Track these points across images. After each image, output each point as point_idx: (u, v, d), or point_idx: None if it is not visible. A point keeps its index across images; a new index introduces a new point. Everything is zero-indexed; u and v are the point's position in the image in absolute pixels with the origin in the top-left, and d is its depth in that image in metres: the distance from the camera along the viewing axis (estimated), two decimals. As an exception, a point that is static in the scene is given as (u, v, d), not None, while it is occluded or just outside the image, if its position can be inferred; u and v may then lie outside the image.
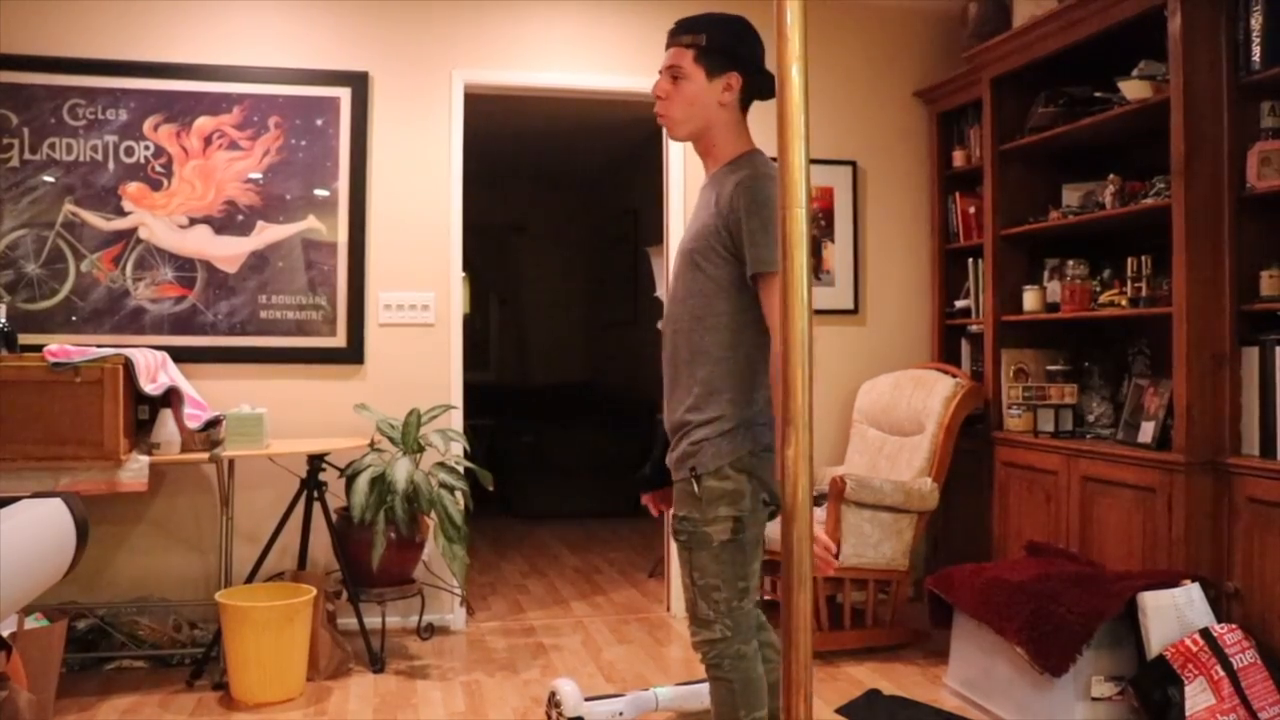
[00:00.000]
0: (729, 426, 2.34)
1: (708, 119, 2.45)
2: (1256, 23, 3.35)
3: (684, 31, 2.45)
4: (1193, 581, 3.28)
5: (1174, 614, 3.20)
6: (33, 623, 3.51)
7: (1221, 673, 3.05)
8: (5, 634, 2.14)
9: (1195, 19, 3.46)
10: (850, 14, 5.17)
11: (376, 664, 4.09)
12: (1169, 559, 3.47)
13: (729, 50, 2.40)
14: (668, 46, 2.49)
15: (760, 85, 2.43)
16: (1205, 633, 3.13)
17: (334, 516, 4.18)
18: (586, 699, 3.46)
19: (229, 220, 4.50)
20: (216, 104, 4.50)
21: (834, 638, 4.25)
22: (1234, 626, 3.18)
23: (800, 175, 1.48)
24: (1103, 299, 4.07)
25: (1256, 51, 3.35)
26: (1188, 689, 3.05)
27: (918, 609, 4.54)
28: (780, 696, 1.44)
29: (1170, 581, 3.29)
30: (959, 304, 5.04)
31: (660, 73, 2.49)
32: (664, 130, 4.91)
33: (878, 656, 4.25)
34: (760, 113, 2.38)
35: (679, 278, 2.49)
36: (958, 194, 5.04)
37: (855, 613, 4.33)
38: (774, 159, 1.53)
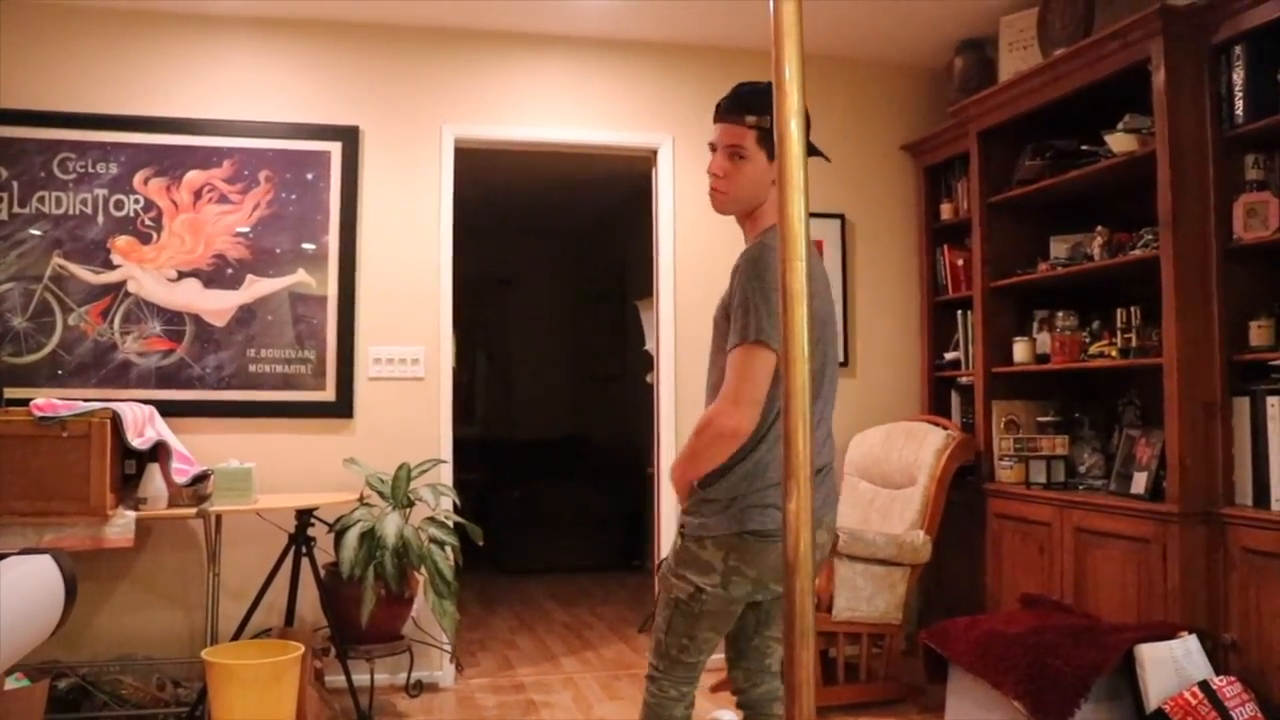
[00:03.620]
0: (721, 501, 2.32)
1: (759, 198, 2.40)
2: (1239, 77, 3.40)
3: (746, 110, 2.37)
4: (1190, 633, 3.26)
5: (1172, 666, 3.18)
6: (13, 683, 3.45)
7: (1221, 726, 3.02)
8: (-11, 695, 2.10)
9: (1179, 73, 3.52)
10: (838, 69, 5.23)
11: (364, 723, 4.03)
12: (1165, 610, 3.46)
13: None
14: (723, 120, 2.42)
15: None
16: (1204, 685, 3.11)
17: (322, 572, 4.13)
18: (579, 757, 3.41)
19: (218, 274, 4.49)
20: (207, 158, 4.51)
21: (828, 693, 4.20)
22: (1233, 679, 3.16)
23: (800, 228, 1.48)
24: (1093, 350, 4.09)
25: (1240, 105, 3.40)
26: (1188, 743, 3.02)
27: (912, 663, 4.49)
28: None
29: (1167, 633, 3.27)
30: (948, 356, 5.06)
31: (714, 147, 2.43)
32: (653, 185, 4.99)
33: (872, 711, 4.21)
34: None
35: (713, 344, 2.46)
36: (946, 246, 5.08)
37: (849, 667, 4.29)
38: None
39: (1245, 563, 3.29)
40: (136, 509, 3.76)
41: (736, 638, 2.58)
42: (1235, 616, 3.32)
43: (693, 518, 2.37)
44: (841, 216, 5.20)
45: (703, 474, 2.34)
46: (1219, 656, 3.31)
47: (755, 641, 2.55)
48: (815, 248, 2.45)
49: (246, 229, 4.53)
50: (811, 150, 2.39)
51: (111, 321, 4.39)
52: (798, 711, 1.45)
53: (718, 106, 2.47)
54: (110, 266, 4.40)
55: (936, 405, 5.14)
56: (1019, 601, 4.03)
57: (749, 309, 2.23)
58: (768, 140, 2.35)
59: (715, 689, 4.53)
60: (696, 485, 2.39)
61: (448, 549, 4.18)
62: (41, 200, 4.36)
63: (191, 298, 4.47)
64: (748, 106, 2.39)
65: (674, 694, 2.44)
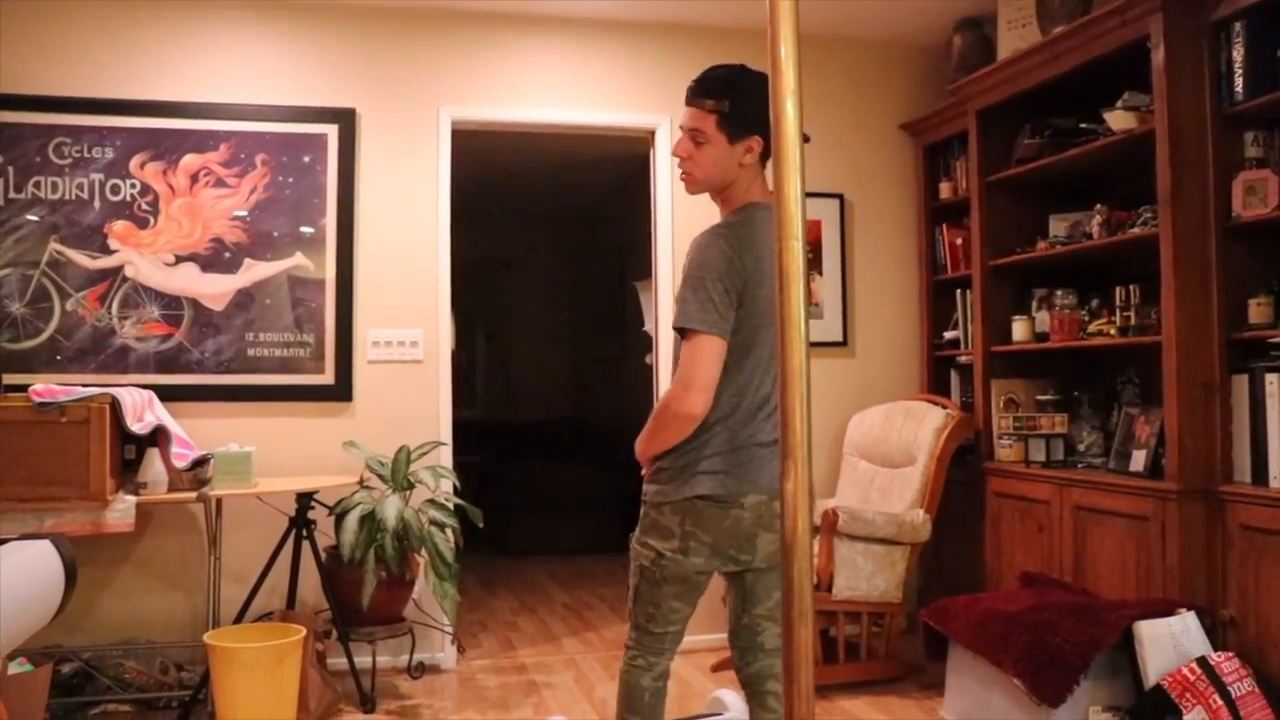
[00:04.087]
0: (673, 468, 2.43)
1: (726, 179, 2.48)
2: (1238, 54, 3.38)
3: (705, 95, 2.46)
4: (1188, 610, 3.27)
5: (1170, 643, 3.19)
6: (16, 668, 3.46)
7: (1219, 701, 3.03)
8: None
9: (1178, 51, 3.50)
10: (836, 49, 5.21)
11: (367, 704, 4.04)
12: (1164, 587, 3.47)
13: (751, 114, 2.39)
14: (688, 104, 2.49)
15: None
16: (1202, 661, 3.12)
17: (323, 555, 4.14)
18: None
19: (216, 258, 4.48)
20: (203, 141, 4.49)
21: (828, 672, 4.22)
22: (1231, 655, 3.17)
23: (796, 208, 1.47)
24: (1091, 328, 4.09)
25: (1239, 82, 3.38)
26: (1186, 718, 3.03)
27: (912, 641, 4.51)
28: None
29: (1166, 610, 3.28)
30: (948, 335, 5.05)
31: (681, 130, 2.51)
32: (651, 165, 4.98)
33: (873, 690, 4.22)
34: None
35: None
36: (945, 225, 5.06)
37: (849, 646, 4.30)
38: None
39: (1243, 540, 3.30)
40: (137, 494, 3.76)
41: (730, 617, 2.67)
42: (1233, 593, 3.33)
43: (652, 485, 2.49)
44: (840, 196, 5.19)
45: (660, 452, 2.46)
46: (1217, 633, 3.32)
47: (745, 620, 2.62)
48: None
49: (244, 213, 4.52)
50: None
51: (109, 306, 4.39)
52: (796, 691, 1.46)
53: (687, 90, 2.52)
54: (107, 251, 4.39)
55: (936, 384, 5.14)
56: (1018, 580, 4.04)
57: (683, 299, 2.36)
58: (728, 123, 2.43)
59: (715, 668, 4.55)
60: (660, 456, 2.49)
61: (448, 531, 4.19)
62: (37, 185, 4.35)
63: (189, 282, 4.47)
64: (707, 91, 2.46)
65: (641, 663, 2.55)
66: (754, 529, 2.42)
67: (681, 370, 2.35)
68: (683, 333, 2.37)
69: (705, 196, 2.59)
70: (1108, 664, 3.24)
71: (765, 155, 2.47)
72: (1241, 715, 3.03)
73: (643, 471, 2.57)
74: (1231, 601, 3.34)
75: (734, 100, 2.42)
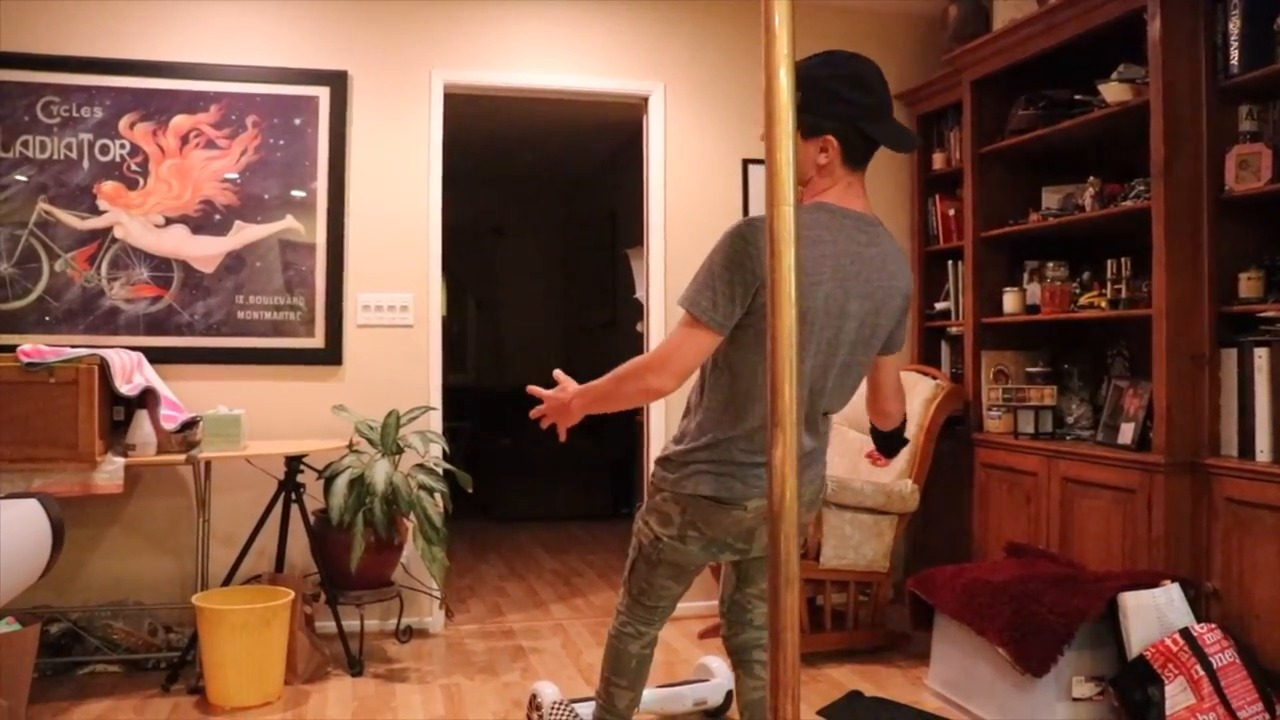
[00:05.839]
0: (678, 461, 2.39)
1: (803, 175, 2.27)
2: (1235, 26, 3.37)
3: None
4: (1172, 582, 3.29)
5: (1154, 614, 3.21)
6: (4, 627, 3.46)
7: (1201, 672, 3.06)
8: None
9: (1175, 22, 3.48)
10: (830, 17, 5.17)
11: (355, 667, 4.06)
12: (1149, 559, 3.49)
13: (820, 112, 2.20)
14: None
15: (869, 140, 2.26)
16: (1185, 632, 3.14)
17: (312, 519, 4.14)
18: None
19: (206, 220, 4.46)
20: (194, 102, 4.45)
21: (815, 640, 4.24)
22: (1213, 626, 3.19)
23: (788, 174, 1.47)
24: (1082, 301, 4.09)
25: (1235, 55, 3.37)
26: (1168, 689, 3.06)
27: (899, 611, 4.54)
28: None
29: (1150, 582, 3.30)
30: (939, 306, 5.05)
31: None
32: (644, 132, 4.95)
33: (859, 658, 4.25)
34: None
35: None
36: (937, 196, 5.05)
37: (836, 615, 4.33)
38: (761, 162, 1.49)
39: (1228, 513, 3.32)
40: (125, 455, 3.75)
41: (723, 588, 2.72)
42: (1217, 565, 3.36)
43: (659, 470, 2.46)
44: (833, 165, 5.16)
45: (605, 412, 2.44)
46: (1200, 604, 3.35)
47: (737, 596, 2.67)
48: (895, 248, 2.40)
49: (234, 175, 4.49)
50: (897, 138, 2.28)
51: (99, 268, 4.36)
52: (781, 658, 1.46)
53: None
54: (96, 212, 4.36)
55: (926, 355, 5.15)
56: (1005, 550, 4.06)
57: (695, 279, 2.23)
58: (801, 118, 2.26)
59: (703, 635, 4.57)
60: (671, 441, 2.46)
61: (437, 496, 4.20)
62: (25, 145, 4.31)
63: (179, 244, 4.44)
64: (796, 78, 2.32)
65: (631, 631, 2.63)
66: (755, 525, 2.36)
67: (665, 346, 2.23)
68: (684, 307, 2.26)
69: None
70: (1092, 634, 3.27)
71: (852, 159, 2.27)
72: (1222, 685, 3.06)
73: (542, 414, 2.55)
74: (1215, 574, 3.36)
75: (804, 91, 2.26)
